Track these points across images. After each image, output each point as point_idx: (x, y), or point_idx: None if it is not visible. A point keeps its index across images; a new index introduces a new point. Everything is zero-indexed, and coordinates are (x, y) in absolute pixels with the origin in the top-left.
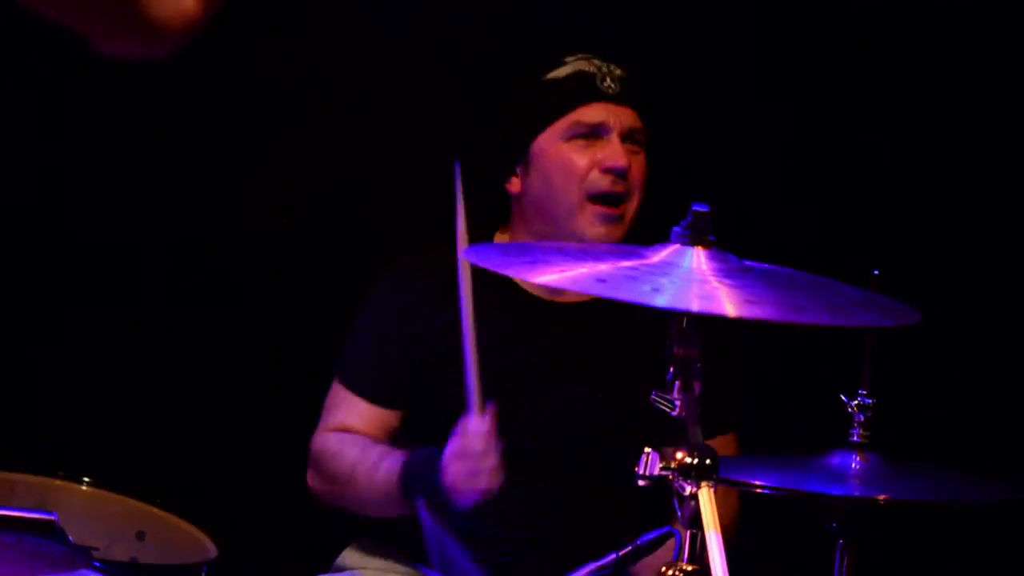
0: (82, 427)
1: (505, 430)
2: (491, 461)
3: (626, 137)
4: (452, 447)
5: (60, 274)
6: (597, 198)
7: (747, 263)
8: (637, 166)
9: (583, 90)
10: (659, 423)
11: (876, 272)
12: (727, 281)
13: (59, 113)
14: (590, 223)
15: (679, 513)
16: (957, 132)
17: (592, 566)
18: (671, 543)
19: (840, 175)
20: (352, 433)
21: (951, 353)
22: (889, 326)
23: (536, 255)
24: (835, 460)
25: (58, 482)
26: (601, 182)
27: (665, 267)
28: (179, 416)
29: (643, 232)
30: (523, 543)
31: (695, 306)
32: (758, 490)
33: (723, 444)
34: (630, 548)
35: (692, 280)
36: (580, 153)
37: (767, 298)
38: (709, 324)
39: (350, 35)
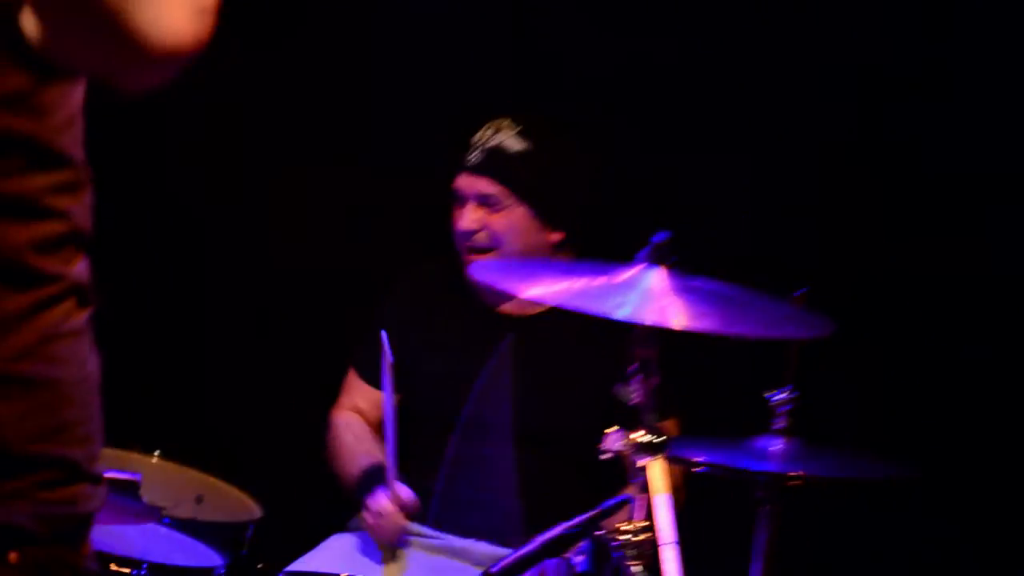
0: (152, 410)
1: (480, 412)
2: (392, 530)
3: (482, 202)
4: (372, 501)
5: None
6: (466, 249)
7: (698, 282)
8: (497, 223)
9: (458, 161)
10: (605, 413)
11: (803, 290)
12: (679, 297)
13: None
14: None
15: (635, 481)
16: (889, 150)
17: (563, 526)
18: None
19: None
20: (356, 418)
21: (865, 355)
22: (808, 337)
23: (530, 270)
24: (761, 443)
25: (134, 454)
26: (463, 240)
27: (629, 285)
28: (230, 402)
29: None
30: (492, 507)
31: (649, 318)
32: (697, 467)
33: (669, 426)
34: (594, 512)
35: (651, 297)
36: (457, 213)
37: (711, 312)
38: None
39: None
